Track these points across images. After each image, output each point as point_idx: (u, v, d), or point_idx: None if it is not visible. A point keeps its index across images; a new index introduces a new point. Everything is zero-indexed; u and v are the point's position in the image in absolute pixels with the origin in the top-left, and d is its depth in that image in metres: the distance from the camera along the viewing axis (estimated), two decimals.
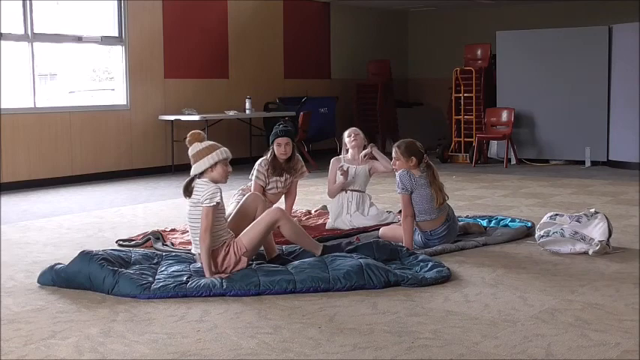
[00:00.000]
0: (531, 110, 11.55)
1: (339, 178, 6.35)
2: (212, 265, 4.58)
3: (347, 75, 13.96)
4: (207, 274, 4.54)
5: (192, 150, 4.65)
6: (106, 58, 10.84)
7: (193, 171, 4.64)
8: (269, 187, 6.17)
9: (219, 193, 4.56)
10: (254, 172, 6.21)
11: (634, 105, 10.53)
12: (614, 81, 10.91)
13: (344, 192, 6.37)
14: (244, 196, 6.19)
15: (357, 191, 6.38)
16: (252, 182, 6.20)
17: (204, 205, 4.51)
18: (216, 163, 4.61)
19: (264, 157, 6.21)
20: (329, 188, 6.46)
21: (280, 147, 6.08)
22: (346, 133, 6.60)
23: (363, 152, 6.45)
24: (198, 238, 4.58)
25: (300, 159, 6.38)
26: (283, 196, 6.40)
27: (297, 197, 6.53)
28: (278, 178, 6.17)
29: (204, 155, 4.61)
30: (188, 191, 4.63)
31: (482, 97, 11.98)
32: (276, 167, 6.12)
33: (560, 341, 3.49)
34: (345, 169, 6.34)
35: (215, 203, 4.52)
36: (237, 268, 4.65)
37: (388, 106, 13.76)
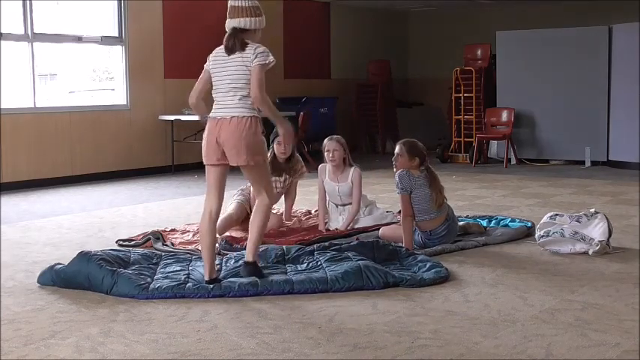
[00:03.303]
0: (531, 110, 11.55)
1: (328, 187, 6.23)
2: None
3: (347, 75, 13.95)
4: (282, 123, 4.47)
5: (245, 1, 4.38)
6: (106, 58, 10.85)
7: (244, 24, 4.39)
8: None
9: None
10: None
11: (634, 105, 10.53)
12: (614, 81, 10.91)
13: (335, 206, 6.22)
14: (244, 196, 6.22)
15: (347, 204, 6.17)
16: None
17: (255, 63, 4.34)
18: (261, 29, 4.47)
19: None
20: (318, 197, 6.26)
21: (280, 145, 6.09)
22: (325, 146, 6.17)
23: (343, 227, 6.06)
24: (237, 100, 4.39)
25: (300, 159, 6.37)
26: (284, 195, 6.40)
27: (297, 197, 6.53)
28: (277, 178, 6.17)
29: (261, 14, 4.43)
30: (239, 45, 4.37)
31: (482, 97, 11.99)
32: (276, 167, 6.12)
33: (560, 341, 3.49)
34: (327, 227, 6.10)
35: (270, 61, 4.36)
36: None
37: (388, 106, 13.76)
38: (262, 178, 4.57)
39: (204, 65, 4.56)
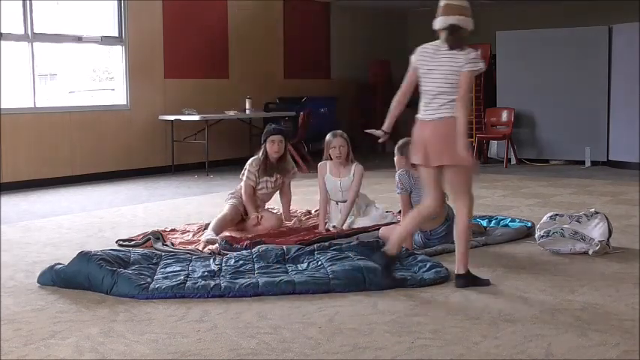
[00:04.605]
0: (531, 110, 11.55)
1: (329, 183, 6.20)
2: None
3: (347, 75, 13.95)
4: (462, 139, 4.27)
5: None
6: (106, 58, 10.85)
7: (460, 22, 4.38)
8: (259, 187, 6.19)
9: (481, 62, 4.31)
10: (244, 172, 6.21)
11: (634, 105, 10.53)
12: (614, 81, 10.91)
13: (335, 203, 6.19)
14: (236, 199, 6.21)
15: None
16: (243, 182, 6.20)
17: (467, 69, 4.29)
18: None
19: (255, 157, 6.22)
20: (320, 198, 6.21)
21: (274, 144, 6.10)
22: (330, 141, 6.10)
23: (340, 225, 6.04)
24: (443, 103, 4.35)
25: (291, 160, 6.39)
26: (279, 196, 6.40)
27: (296, 197, 6.53)
28: (268, 178, 6.19)
29: (470, 15, 4.37)
30: (458, 43, 4.35)
31: (482, 97, 11.98)
32: (268, 167, 6.14)
33: (560, 341, 3.49)
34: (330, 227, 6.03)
35: (480, 68, 4.32)
36: None
37: (388, 106, 13.72)
38: (461, 181, 4.40)
39: (411, 66, 4.55)
